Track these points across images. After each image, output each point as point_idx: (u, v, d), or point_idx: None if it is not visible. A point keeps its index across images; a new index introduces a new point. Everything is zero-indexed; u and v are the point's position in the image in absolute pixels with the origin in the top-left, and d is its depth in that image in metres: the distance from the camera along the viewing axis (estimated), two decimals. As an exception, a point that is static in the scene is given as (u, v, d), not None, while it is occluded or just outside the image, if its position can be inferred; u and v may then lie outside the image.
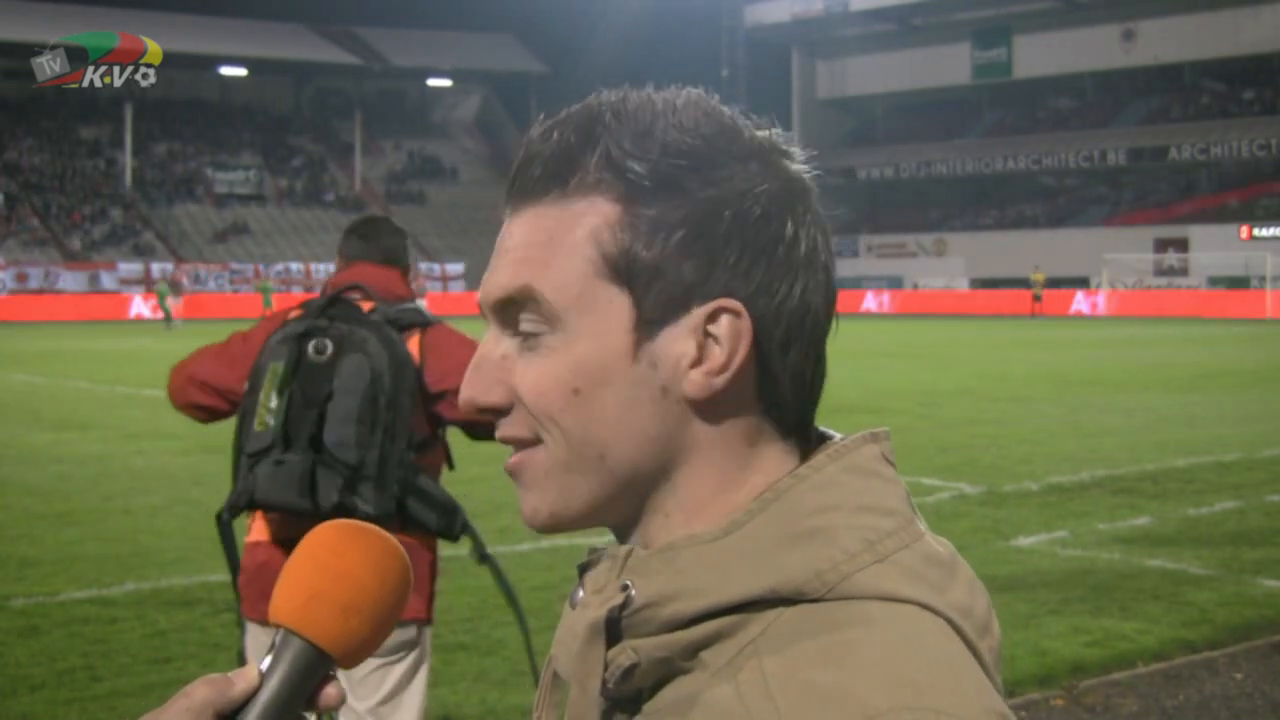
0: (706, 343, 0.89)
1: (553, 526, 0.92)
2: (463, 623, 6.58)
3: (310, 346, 3.44)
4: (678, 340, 0.89)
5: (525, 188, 0.91)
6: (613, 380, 0.88)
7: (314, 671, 0.88)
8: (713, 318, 0.88)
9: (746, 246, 0.89)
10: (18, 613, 6.85)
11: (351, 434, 3.39)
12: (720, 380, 0.89)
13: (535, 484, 0.91)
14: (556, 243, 0.89)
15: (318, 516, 3.26)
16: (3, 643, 6.30)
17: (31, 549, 8.34)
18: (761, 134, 0.92)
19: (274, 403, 3.42)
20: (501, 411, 0.92)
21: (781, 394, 0.91)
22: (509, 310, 0.91)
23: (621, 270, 0.88)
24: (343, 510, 3.34)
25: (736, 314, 0.88)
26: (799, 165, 0.92)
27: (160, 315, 44.61)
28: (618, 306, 0.88)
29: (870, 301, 56.90)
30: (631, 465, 0.90)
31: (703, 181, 0.88)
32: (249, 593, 3.64)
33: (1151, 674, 5.92)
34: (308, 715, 0.89)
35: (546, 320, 0.89)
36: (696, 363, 0.89)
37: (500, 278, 0.91)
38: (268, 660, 0.88)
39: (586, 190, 0.89)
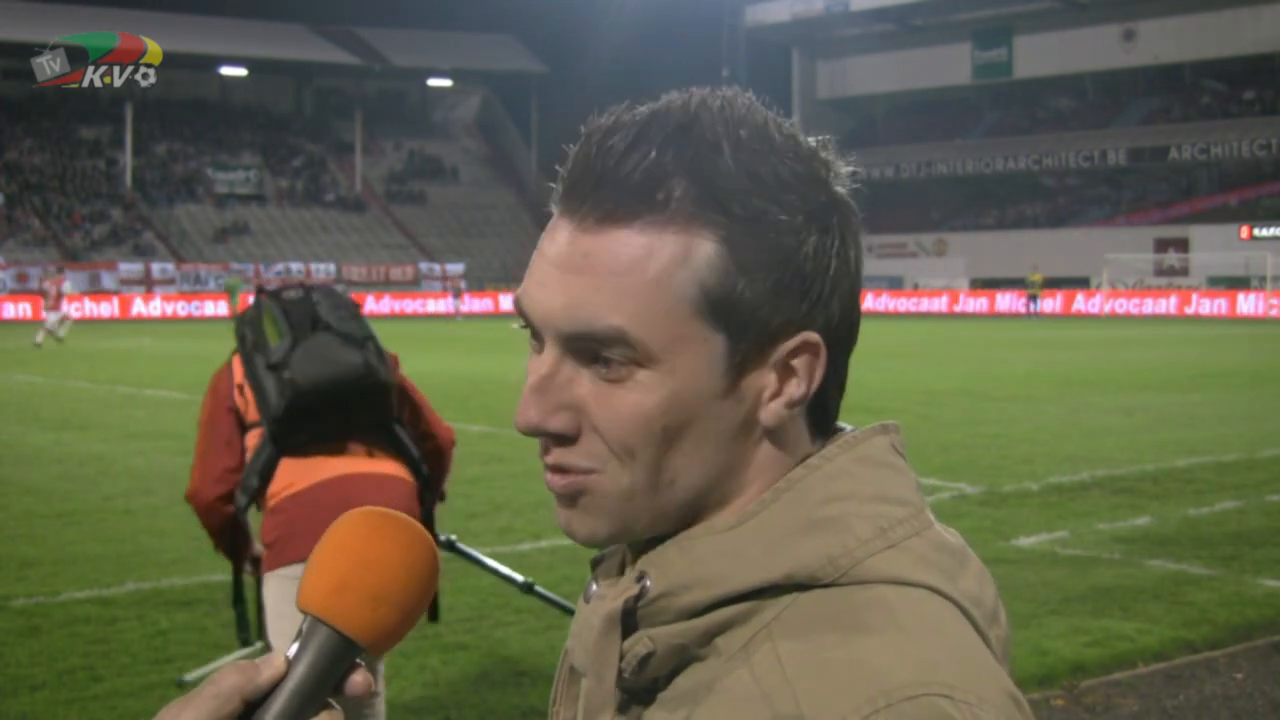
0: (786, 375, 0.89)
1: (609, 544, 0.93)
2: (463, 623, 6.57)
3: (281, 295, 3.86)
4: (762, 375, 0.89)
5: (609, 205, 0.86)
6: (701, 417, 0.88)
7: (341, 660, 0.88)
8: (795, 352, 0.89)
9: (826, 281, 0.89)
10: (18, 613, 6.85)
11: (348, 318, 3.77)
12: (797, 410, 0.90)
13: (596, 508, 0.90)
14: (651, 277, 0.86)
15: (358, 378, 3.64)
16: (3, 643, 6.30)
17: (32, 549, 8.34)
18: (813, 145, 0.92)
19: (276, 328, 3.75)
20: (565, 439, 0.89)
21: (830, 403, 0.93)
22: (583, 343, 0.87)
23: (721, 312, 0.87)
24: (372, 372, 3.67)
25: (815, 348, 0.89)
26: (843, 181, 0.93)
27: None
28: (713, 347, 0.87)
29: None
30: (697, 489, 0.90)
31: (786, 215, 0.88)
32: (279, 539, 3.74)
33: (1152, 674, 5.92)
34: (334, 702, 0.89)
35: (637, 358, 0.86)
36: (776, 394, 0.89)
37: (579, 310, 0.86)
38: (294, 648, 0.88)
39: (683, 221, 0.86)
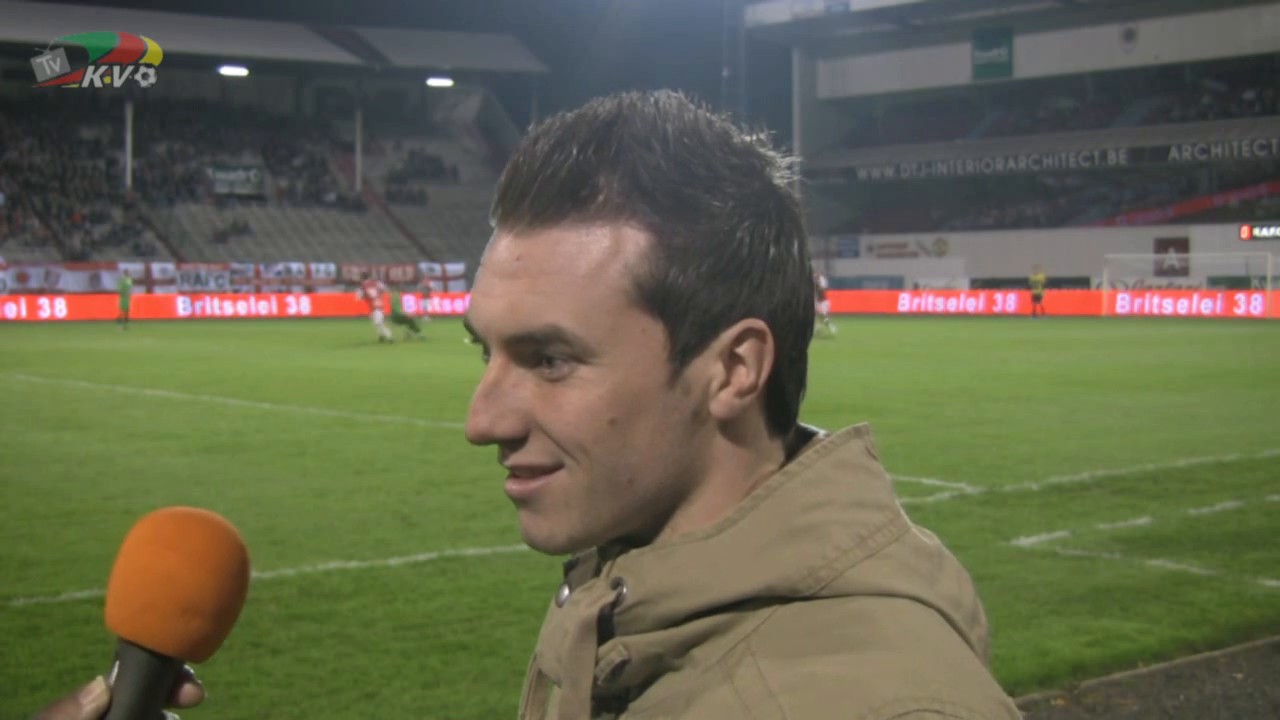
0: (733, 364, 0.88)
1: (569, 549, 0.91)
2: (463, 623, 6.58)
3: None
4: (708, 364, 0.88)
5: (537, 207, 0.87)
6: (648, 409, 0.87)
7: (163, 677, 0.85)
8: (740, 339, 0.88)
9: (765, 266, 0.88)
10: (18, 613, 6.85)
11: None
12: (748, 400, 0.89)
13: (555, 509, 0.89)
14: (583, 273, 0.86)
15: None
16: (3, 643, 6.30)
17: (32, 549, 8.34)
18: (748, 140, 0.91)
19: None
20: (515, 442, 0.89)
21: (787, 400, 0.92)
22: (523, 345, 0.87)
23: (656, 300, 0.86)
24: None
25: (761, 335, 0.88)
26: (783, 173, 0.92)
27: None
28: (652, 336, 0.87)
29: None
30: (658, 486, 0.89)
31: (718, 201, 0.87)
32: None
33: (1152, 674, 5.92)
34: (169, 715, 0.87)
35: (577, 354, 0.86)
36: (725, 384, 0.89)
37: (516, 311, 0.87)
38: (114, 672, 0.85)
39: (611, 215, 0.86)
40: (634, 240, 0.86)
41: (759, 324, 0.88)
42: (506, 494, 0.91)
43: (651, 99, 0.90)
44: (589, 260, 0.86)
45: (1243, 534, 8.81)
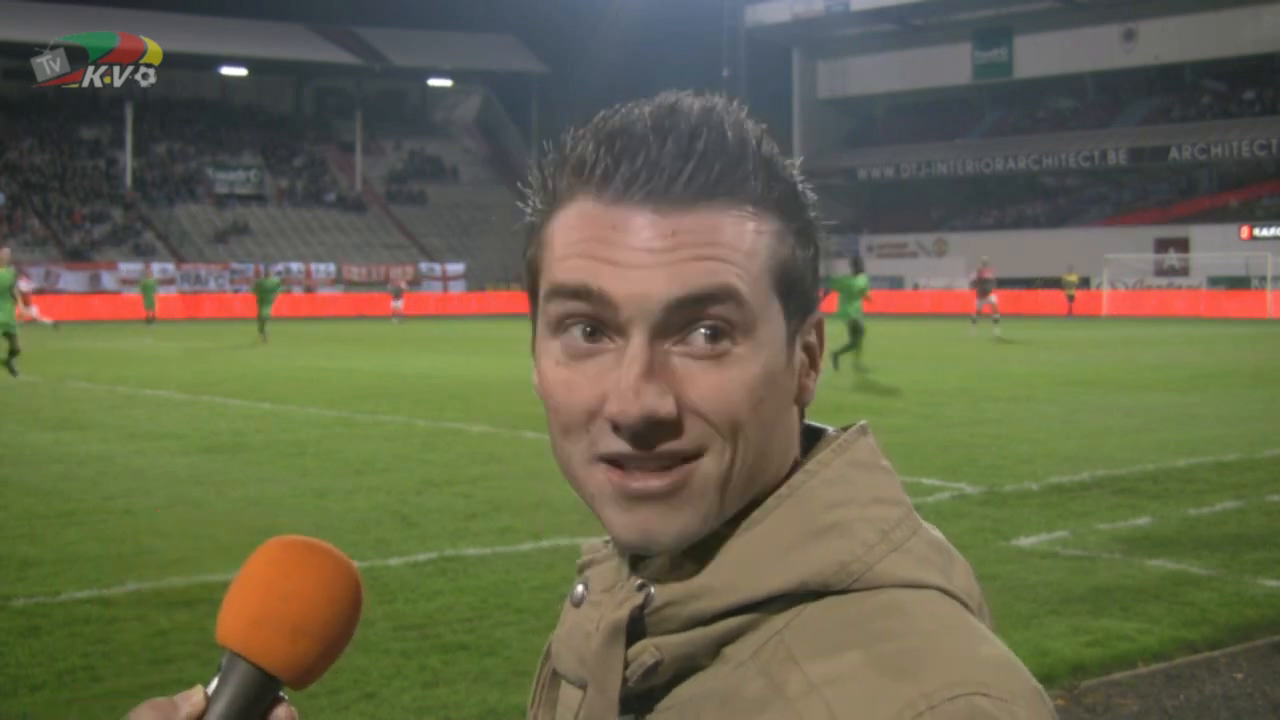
0: (810, 350, 0.94)
1: (694, 540, 0.88)
2: (463, 623, 6.58)
3: None
4: (800, 349, 0.93)
5: (694, 187, 0.86)
6: (777, 389, 0.89)
7: (262, 695, 0.86)
8: (814, 328, 0.94)
9: (821, 263, 0.95)
10: (18, 613, 6.85)
11: None
12: (816, 385, 0.95)
13: (693, 499, 0.86)
14: (745, 249, 0.87)
15: None
16: (3, 643, 6.30)
17: (32, 549, 8.34)
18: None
19: None
20: (666, 427, 0.85)
21: (814, 391, 0.97)
22: (687, 310, 0.85)
23: (784, 284, 0.90)
24: None
25: (821, 324, 0.95)
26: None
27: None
28: (779, 317, 0.90)
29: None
30: (776, 470, 0.91)
31: (808, 195, 0.94)
32: None
33: (1152, 674, 5.92)
34: None
35: (736, 326, 0.86)
36: (807, 371, 0.94)
37: (685, 275, 0.85)
38: (214, 683, 0.86)
39: (757, 201, 0.89)
40: (773, 227, 0.90)
41: (820, 314, 0.95)
42: (628, 494, 0.86)
43: (719, 100, 0.94)
44: (747, 239, 0.88)
45: (1243, 534, 8.81)
